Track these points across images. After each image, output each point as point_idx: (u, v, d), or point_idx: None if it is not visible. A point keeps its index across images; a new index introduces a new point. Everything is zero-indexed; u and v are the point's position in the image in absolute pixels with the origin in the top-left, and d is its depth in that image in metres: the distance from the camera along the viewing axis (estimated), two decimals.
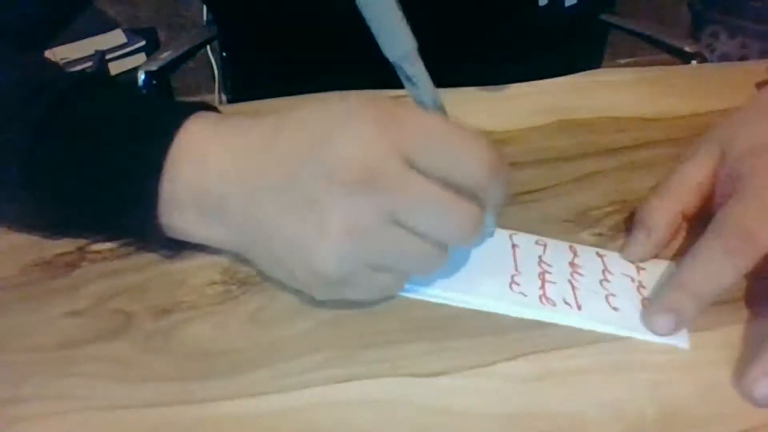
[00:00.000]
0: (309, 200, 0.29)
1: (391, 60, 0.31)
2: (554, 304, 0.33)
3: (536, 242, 0.38)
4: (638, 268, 0.36)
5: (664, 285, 0.34)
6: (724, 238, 0.32)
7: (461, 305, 0.34)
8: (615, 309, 0.34)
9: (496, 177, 0.30)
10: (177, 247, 0.35)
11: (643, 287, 0.35)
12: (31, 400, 0.29)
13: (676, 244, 0.38)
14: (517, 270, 0.36)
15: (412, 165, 0.29)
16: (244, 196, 0.31)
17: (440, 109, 0.32)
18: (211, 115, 0.34)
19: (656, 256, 0.37)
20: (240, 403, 0.29)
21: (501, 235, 0.38)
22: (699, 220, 0.37)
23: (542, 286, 0.35)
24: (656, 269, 0.36)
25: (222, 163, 0.32)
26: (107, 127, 0.34)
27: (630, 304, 0.34)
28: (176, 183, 0.32)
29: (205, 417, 0.29)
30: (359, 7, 0.29)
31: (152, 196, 0.32)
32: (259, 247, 0.32)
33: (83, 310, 0.34)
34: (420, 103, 0.32)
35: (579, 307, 0.33)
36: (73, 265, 0.36)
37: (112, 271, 0.36)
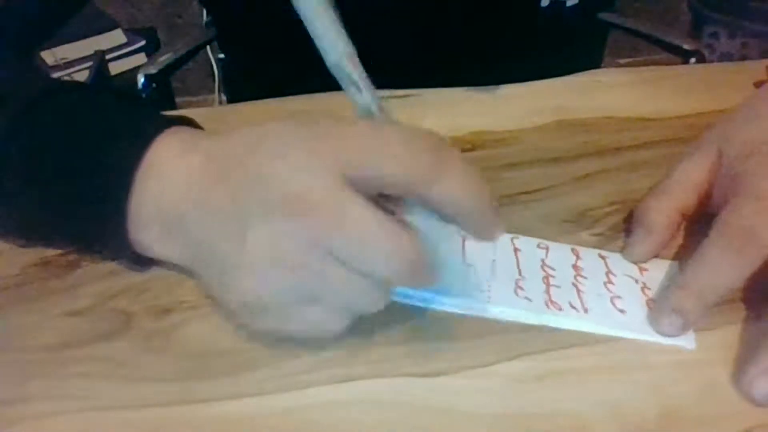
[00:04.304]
0: (244, 227, 0.28)
1: (328, 65, 0.29)
2: (560, 308, 0.33)
3: (538, 245, 0.37)
4: (641, 269, 0.36)
5: (669, 286, 0.33)
6: (728, 239, 0.32)
7: (467, 312, 0.33)
8: (621, 311, 0.34)
9: (437, 175, 0.27)
10: (147, 263, 0.34)
11: (648, 288, 0.35)
12: (31, 400, 0.29)
13: (676, 243, 0.38)
14: (520, 274, 0.35)
15: (349, 182, 0.27)
16: (196, 217, 0.30)
17: (384, 113, 0.30)
18: (184, 131, 0.33)
19: (656, 256, 0.37)
20: (240, 402, 0.29)
21: (503, 239, 0.37)
22: (697, 219, 0.37)
23: (547, 291, 0.34)
24: (659, 269, 0.36)
25: (182, 183, 0.31)
26: (76, 137, 0.33)
27: (636, 306, 0.34)
28: (142, 199, 0.31)
29: (205, 417, 0.29)
30: (297, 11, 0.29)
31: (123, 213, 0.31)
32: (201, 268, 0.31)
33: (83, 310, 0.34)
34: (363, 111, 0.30)
35: (585, 311, 0.33)
36: (73, 265, 0.36)
37: (112, 271, 0.36)
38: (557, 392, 0.30)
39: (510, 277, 0.35)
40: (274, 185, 0.28)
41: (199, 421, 0.29)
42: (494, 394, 0.30)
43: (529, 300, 0.34)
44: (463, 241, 0.37)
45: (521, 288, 0.34)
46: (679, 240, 0.38)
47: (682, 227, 0.38)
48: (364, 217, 0.27)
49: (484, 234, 0.30)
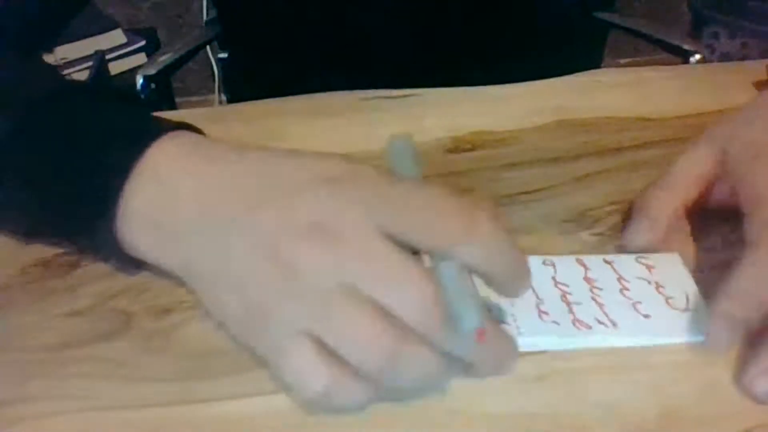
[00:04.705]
0: (255, 244, 0.28)
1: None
2: (589, 327, 0.32)
3: (543, 263, 0.36)
4: (648, 268, 0.36)
5: (717, 296, 0.32)
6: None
7: None
8: (646, 317, 0.33)
9: (465, 240, 0.27)
10: (140, 265, 0.33)
11: (661, 286, 0.35)
12: (31, 400, 0.29)
13: (676, 236, 0.38)
14: (538, 298, 0.34)
15: (384, 233, 0.27)
16: (202, 226, 0.29)
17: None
18: (189, 136, 0.33)
19: (656, 249, 0.37)
20: (240, 402, 0.29)
21: None
22: (697, 213, 0.38)
23: (570, 310, 0.33)
24: (664, 265, 0.36)
25: (186, 189, 0.30)
26: (76, 139, 0.33)
27: (658, 308, 0.33)
28: (136, 201, 0.31)
29: (205, 417, 0.29)
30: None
31: (113, 213, 0.31)
32: (204, 280, 0.30)
33: (83, 310, 0.34)
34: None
35: (614, 325, 0.33)
36: (73, 265, 0.36)
37: (112, 271, 0.36)
38: (557, 392, 0.30)
39: (530, 303, 0.34)
40: (303, 211, 0.27)
41: (199, 421, 0.29)
42: (494, 394, 0.30)
43: (557, 324, 0.33)
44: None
45: (545, 312, 0.33)
46: (679, 233, 0.38)
47: (681, 219, 0.38)
48: (391, 254, 0.27)
49: (510, 293, 0.30)
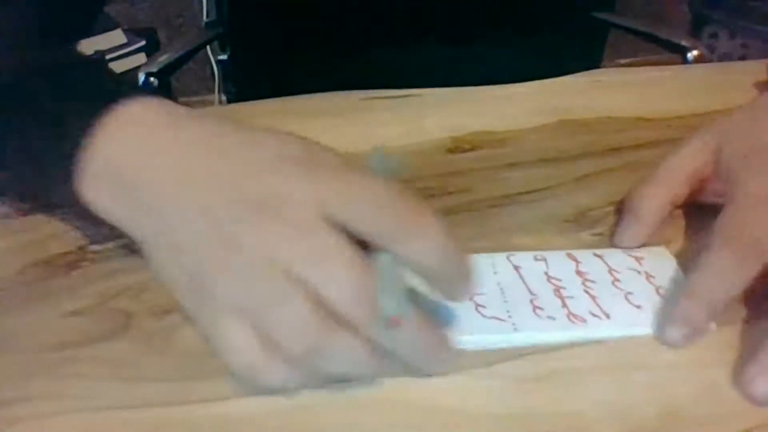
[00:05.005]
0: (204, 208, 0.28)
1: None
2: (584, 320, 0.33)
3: (535, 258, 0.37)
4: (637, 259, 0.36)
5: (676, 296, 0.33)
6: (731, 248, 0.32)
7: (496, 346, 0.32)
8: (638, 307, 0.34)
9: (404, 235, 0.28)
10: (94, 222, 0.33)
11: (652, 276, 0.35)
12: (31, 400, 0.29)
13: (667, 232, 0.38)
14: (532, 293, 0.34)
15: (330, 218, 0.27)
16: (164, 183, 0.30)
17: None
18: (157, 100, 0.33)
19: (645, 243, 0.37)
20: (240, 402, 0.29)
21: (500, 260, 0.37)
22: (688, 209, 0.38)
23: (564, 304, 0.34)
24: (653, 256, 0.37)
25: (144, 150, 0.31)
26: (46, 84, 0.34)
27: (649, 299, 0.34)
28: (96, 151, 0.31)
29: (205, 417, 0.29)
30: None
31: (73, 159, 0.31)
32: (146, 236, 0.31)
33: (83, 310, 0.34)
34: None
35: (607, 316, 0.33)
36: (73, 265, 0.36)
37: (112, 271, 0.36)
38: (557, 392, 0.30)
39: (523, 298, 0.34)
40: (253, 187, 0.28)
41: (199, 421, 0.29)
42: (495, 394, 0.30)
43: (553, 319, 0.33)
44: None
45: (540, 308, 0.33)
46: (669, 228, 0.38)
47: (672, 215, 0.38)
48: (329, 238, 0.27)
49: (449, 296, 0.30)
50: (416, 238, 0.28)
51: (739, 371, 0.30)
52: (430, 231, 0.28)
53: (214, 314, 0.28)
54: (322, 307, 0.27)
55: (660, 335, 0.32)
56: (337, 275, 0.27)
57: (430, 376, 0.30)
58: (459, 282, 0.29)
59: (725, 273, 0.32)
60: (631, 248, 0.37)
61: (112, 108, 0.31)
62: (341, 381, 0.29)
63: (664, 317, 0.33)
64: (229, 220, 0.28)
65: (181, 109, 0.32)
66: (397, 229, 0.28)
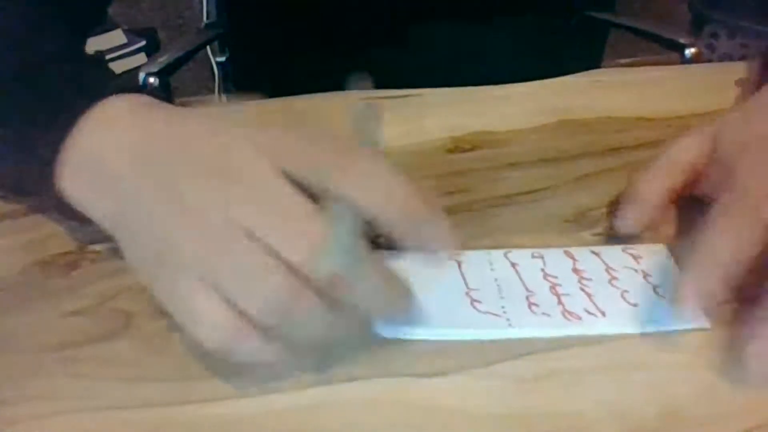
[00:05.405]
0: (172, 188, 0.29)
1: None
2: (579, 318, 0.33)
3: (532, 255, 0.37)
4: (634, 257, 0.37)
5: (681, 273, 0.33)
6: (733, 213, 0.32)
7: (493, 337, 0.32)
8: (634, 305, 0.34)
9: (340, 172, 0.28)
10: (74, 216, 0.34)
11: (648, 275, 0.35)
12: (31, 400, 0.29)
13: (665, 225, 0.38)
14: (528, 290, 0.35)
15: (285, 174, 0.28)
16: (130, 167, 0.30)
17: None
18: (141, 97, 0.33)
19: (642, 240, 0.37)
20: (240, 402, 0.29)
21: (497, 256, 0.37)
22: (686, 201, 0.38)
23: (560, 302, 0.34)
24: (651, 255, 0.37)
25: (128, 140, 0.31)
26: (34, 78, 0.35)
27: (645, 297, 0.34)
28: (78, 147, 0.32)
29: (205, 417, 0.29)
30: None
31: (55, 152, 0.32)
32: (125, 220, 0.31)
33: (83, 310, 0.34)
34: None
35: (603, 314, 0.33)
36: (73, 265, 0.36)
37: (112, 271, 0.36)
38: (557, 392, 0.30)
39: (519, 295, 0.34)
40: (210, 155, 0.29)
41: (200, 421, 0.29)
42: (494, 394, 0.30)
43: (548, 315, 0.33)
44: (460, 265, 0.36)
45: (535, 304, 0.34)
46: (668, 221, 0.38)
47: (670, 206, 0.39)
48: (283, 193, 0.27)
49: (424, 245, 0.29)
50: (349, 176, 0.28)
51: (738, 373, 0.30)
52: (364, 169, 0.28)
53: (185, 289, 0.27)
54: (282, 263, 0.27)
55: (673, 311, 0.32)
56: (290, 230, 0.27)
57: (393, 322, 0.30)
58: (415, 220, 0.29)
59: (729, 236, 0.32)
60: (631, 240, 0.37)
61: (95, 104, 0.32)
62: (317, 355, 0.30)
63: (675, 294, 0.32)
64: (183, 186, 0.28)
65: (164, 105, 0.33)
66: (333, 170, 0.28)
